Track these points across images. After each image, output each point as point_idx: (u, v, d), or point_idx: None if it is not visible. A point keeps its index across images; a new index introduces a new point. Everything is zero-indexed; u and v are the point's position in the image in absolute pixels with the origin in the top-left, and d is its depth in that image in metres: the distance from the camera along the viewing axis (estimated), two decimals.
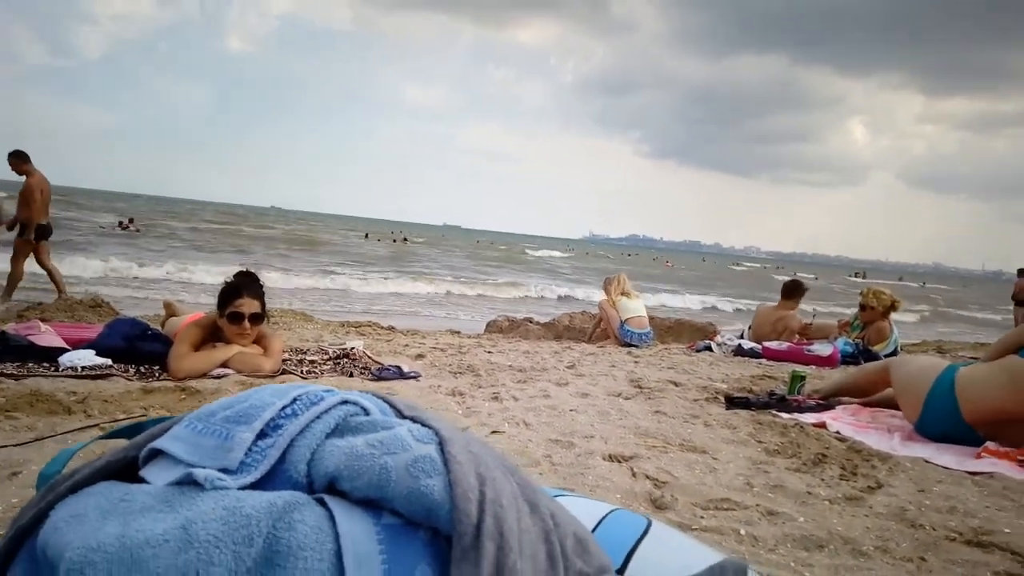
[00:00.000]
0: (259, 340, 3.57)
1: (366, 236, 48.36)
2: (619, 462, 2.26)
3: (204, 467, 0.56)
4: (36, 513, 0.56)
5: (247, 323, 3.42)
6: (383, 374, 3.58)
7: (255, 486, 0.56)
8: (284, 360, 3.74)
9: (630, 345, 6.19)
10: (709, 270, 57.56)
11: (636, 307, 6.44)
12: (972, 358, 6.90)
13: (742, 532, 1.72)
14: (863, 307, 6.03)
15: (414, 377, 3.59)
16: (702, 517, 1.82)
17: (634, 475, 2.14)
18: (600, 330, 6.85)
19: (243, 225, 44.27)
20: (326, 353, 4.28)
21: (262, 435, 0.58)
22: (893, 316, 6.08)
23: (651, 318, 6.76)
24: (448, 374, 3.80)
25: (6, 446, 2.03)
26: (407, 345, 5.07)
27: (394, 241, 45.27)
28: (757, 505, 1.93)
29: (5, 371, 3.01)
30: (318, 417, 0.58)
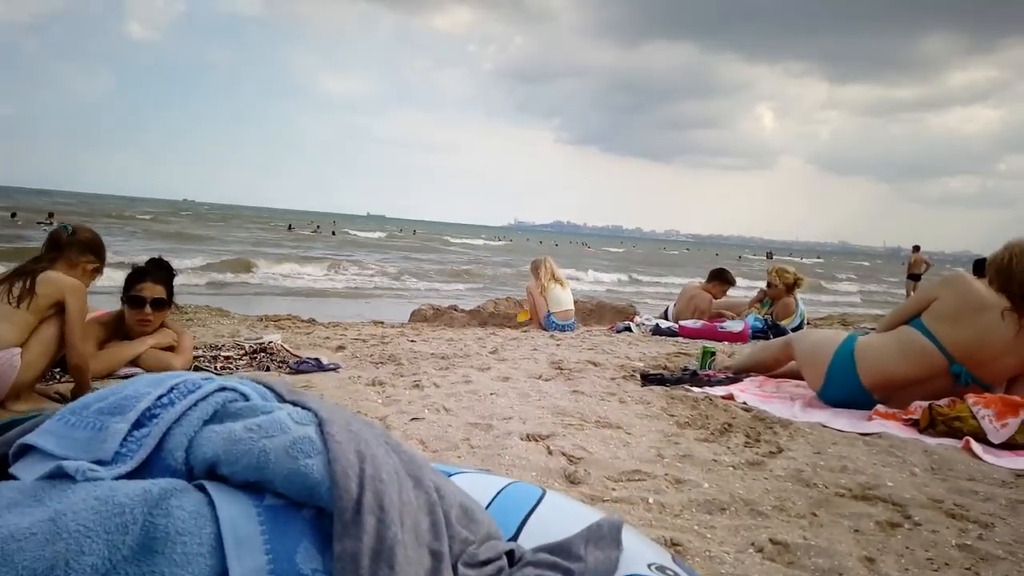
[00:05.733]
0: (168, 336, 3.44)
1: (289, 228, 47.05)
2: (536, 441, 2.31)
3: (77, 460, 0.55)
4: None
5: (148, 308, 3.27)
6: (301, 367, 3.52)
7: (132, 476, 0.56)
8: (197, 357, 3.62)
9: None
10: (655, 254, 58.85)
11: (566, 299, 6.52)
12: (871, 328, 7.35)
13: (650, 500, 1.80)
14: (769, 285, 6.32)
15: (333, 369, 3.55)
16: (613, 489, 1.89)
17: (550, 452, 2.19)
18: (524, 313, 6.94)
19: (150, 218, 42.25)
20: (242, 348, 4.16)
21: (138, 425, 0.58)
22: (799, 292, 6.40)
23: (575, 301, 6.87)
24: (369, 364, 3.77)
25: None
26: (328, 337, 4.99)
27: (316, 230, 44.06)
28: (666, 475, 2.02)
29: None
30: (195, 405, 0.58)
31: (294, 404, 0.61)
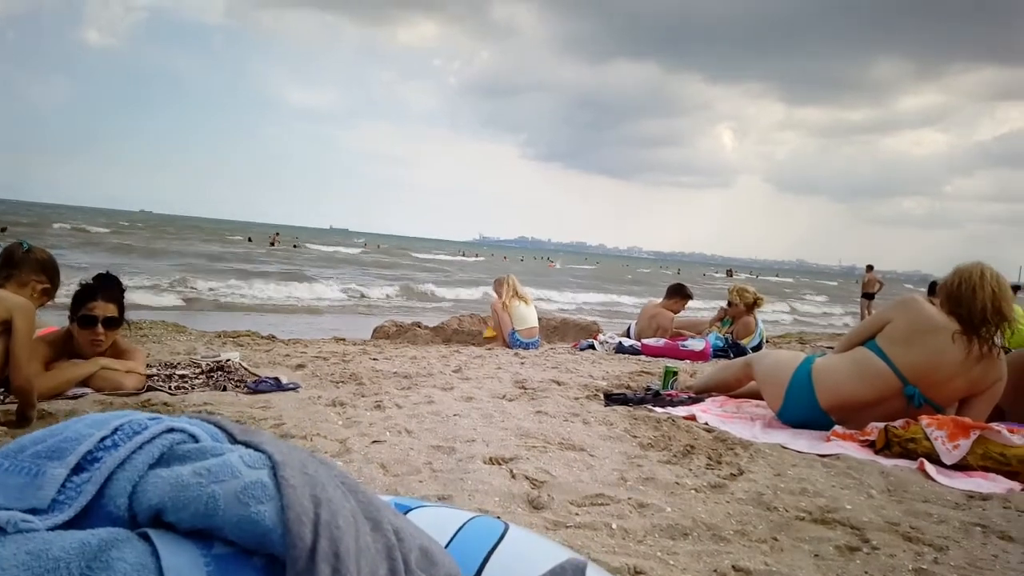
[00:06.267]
0: (120, 354, 3.33)
1: (249, 239, 46.26)
2: (499, 464, 2.29)
3: (9, 508, 0.52)
4: None
5: (100, 328, 3.16)
6: (259, 387, 3.44)
7: (70, 525, 0.53)
8: (151, 375, 3.52)
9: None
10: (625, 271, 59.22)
11: (530, 317, 6.51)
12: (828, 347, 7.50)
13: (614, 526, 1.79)
14: (730, 304, 6.42)
15: (293, 388, 3.47)
16: (576, 514, 1.88)
17: (513, 476, 2.17)
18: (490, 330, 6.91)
19: (109, 231, 41.14)
20: (198, 366, 4.05)
21: (78, 470, 0.55)
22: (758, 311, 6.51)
23: (539, 318, 6.87)
24: (330, 384, 3.70)
25: None
26: (287, 355, 4.89)
27: (272, 244, 43.24)
28: (629, 498, 2.01)
29: None
30: (141, 447, 0.55)
31: (247, 445, 0.59)
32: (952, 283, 2.94)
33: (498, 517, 0.87)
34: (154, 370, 3.77)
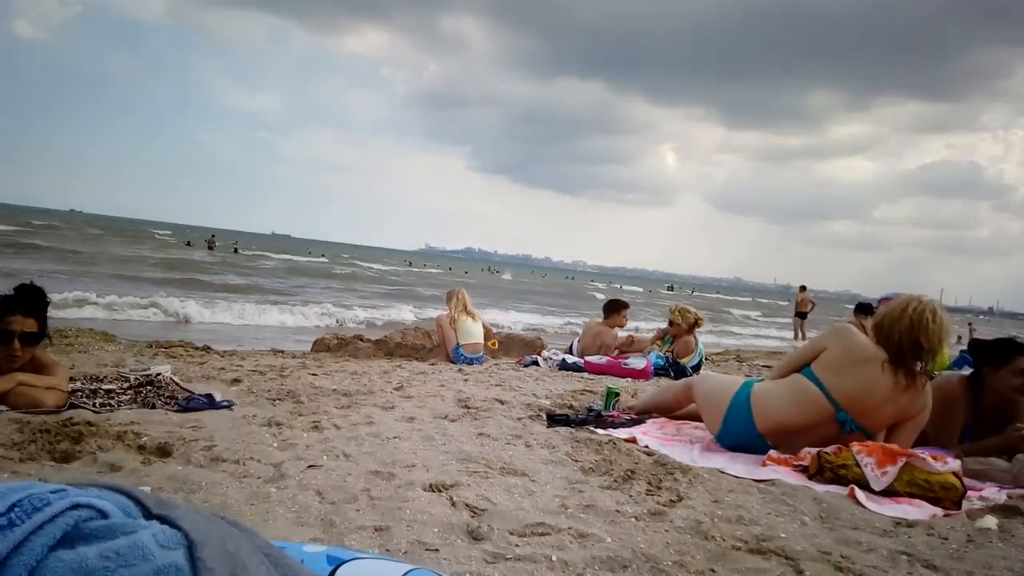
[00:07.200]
0: (40, 368, 3.15)
1: (188, 243, 44.81)
2: (439, 491, 2.25)
3: None
4: None
5: (17, 344, 2.98)
6: (191, 404, 3.31)
7: None
8: (75, 391, 3.34)
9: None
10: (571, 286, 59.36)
11: (476, 332, 6.48)
12: (765, 366, 7.70)
13: (554, 559, 1.77)
14: (671, 323, 6.52)
15: (226, 406, 3.34)
16: (517, 545, 1.85)
17: (453, 504, 2.13)
18: (435, 344, 6.85)
19: (31, 230, 39.15)
20: (126, 380, 3.87)
21: None
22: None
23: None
24: (266, 401, 3.58)
25: None
26: (223, 368, 4.73)
27: (210, 248, 41.89)
28: (569, 528, 2.00)
29: None
30: (41, 527, 0.50)
31: (162, 520, 0.54)
32: (880, 317, 3.06)
33: (437, 573, 0.84)
34: (78, 384, 3.58)
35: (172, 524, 0.54)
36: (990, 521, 2.31)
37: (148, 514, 0.56)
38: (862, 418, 2.98)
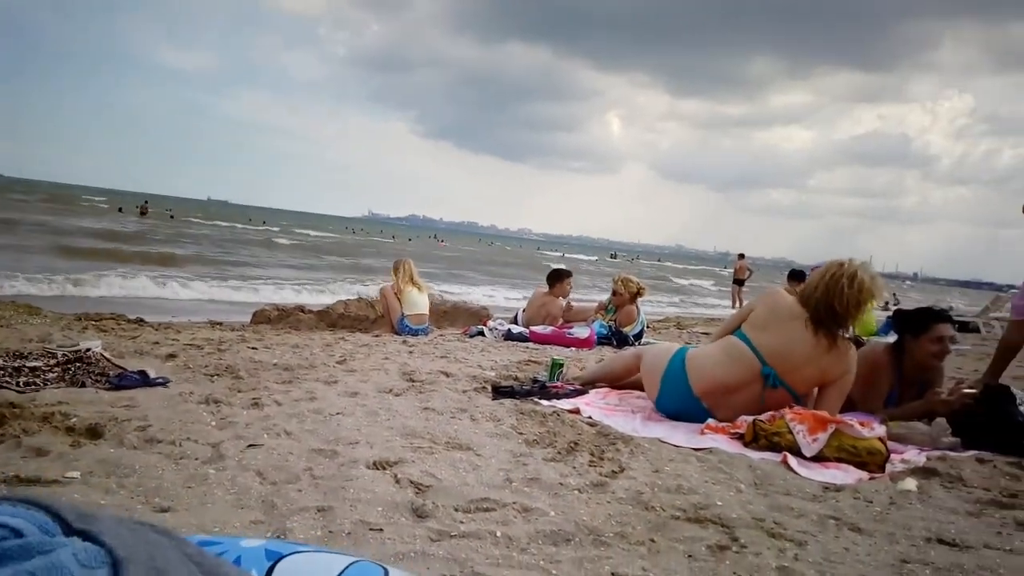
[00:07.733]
0: None
1: (120, 210, 42.85)
2: (383, 469, 2.24)
3: None
4: None
5: None
6: (123, 382, 3.19)
7: None
8: None
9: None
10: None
11: (421, 303, 6.43)
12: (704, 333, 7.91)
13: (498, 534, 1.79)
14: (614, 293, 6.62)
15: (161, 383, 3.24)
16: (462, 522, 1.86)
17: (397, 482, 2.13)
18: (379, 315, 6.77)
19: None
20: (53, 357, 3.70)
21: None
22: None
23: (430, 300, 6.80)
24: (203, 377, 3.49)
25: None
26: (157, 342, 4.57)
27: (143, 214, 40.02)
28: (514, 503, 2.02)
29: None
30: None
31: (84, 536, 0.52)
32: (805, 285, 3.21)
33: (380, 563, 0.83)
34: (1, 361, 3.41)
35: (95, 540, 0.51)
36: (910, 483, 2.45)
37: (68, 529, 0.53)
38: (786, 376, 3.11)
